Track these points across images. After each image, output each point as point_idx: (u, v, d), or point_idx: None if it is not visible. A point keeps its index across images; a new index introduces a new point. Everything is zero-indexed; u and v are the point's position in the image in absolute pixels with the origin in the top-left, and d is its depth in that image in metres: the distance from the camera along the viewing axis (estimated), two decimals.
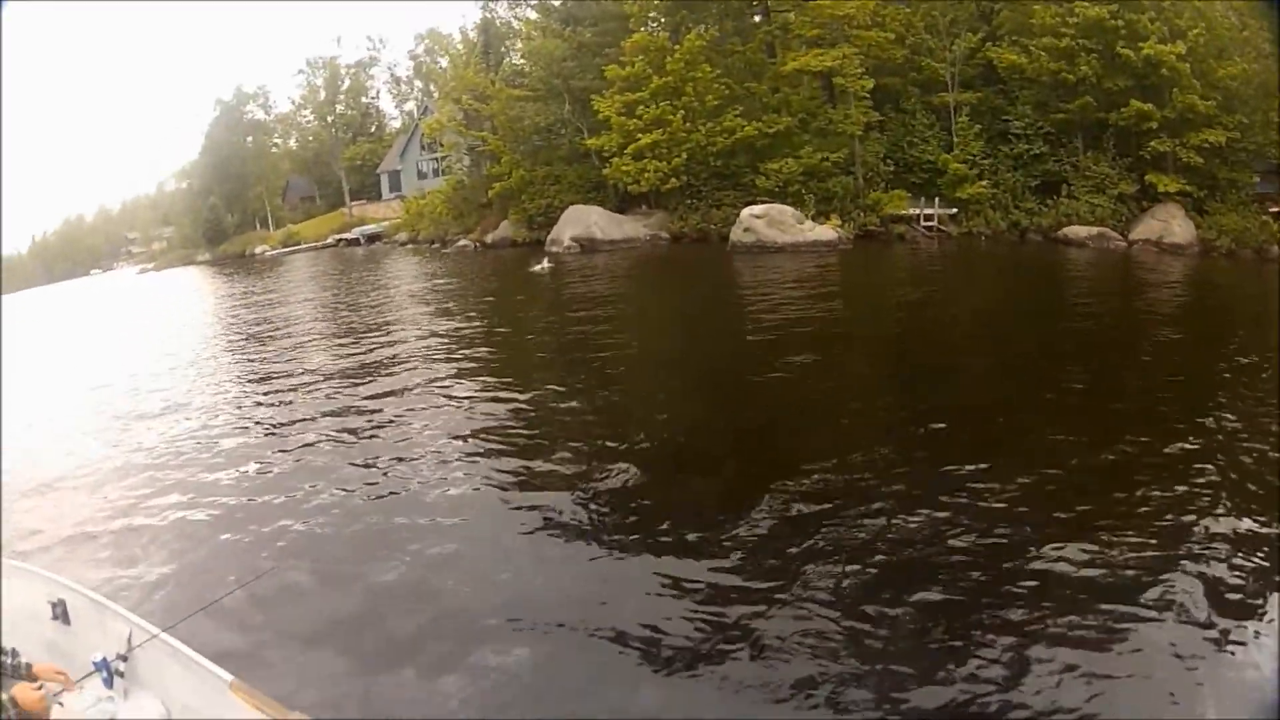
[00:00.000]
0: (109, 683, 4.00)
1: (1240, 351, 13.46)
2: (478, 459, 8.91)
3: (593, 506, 7.56)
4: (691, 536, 6.89)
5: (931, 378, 11.90)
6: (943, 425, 9.28)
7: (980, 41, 31.88)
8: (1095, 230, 29.52)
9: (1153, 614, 5.60)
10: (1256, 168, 29.71)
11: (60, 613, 4.59)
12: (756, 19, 33.60)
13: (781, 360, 12.66)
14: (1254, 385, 11.39)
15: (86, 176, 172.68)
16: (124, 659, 4.05)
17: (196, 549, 7.32)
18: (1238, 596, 5.80)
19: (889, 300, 19.43)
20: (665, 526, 7.10)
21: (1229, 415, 9.83)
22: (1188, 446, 8.65)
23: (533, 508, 7.58)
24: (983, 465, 8.04)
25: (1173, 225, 29.23)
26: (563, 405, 10.80)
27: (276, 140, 59.93)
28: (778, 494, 7.50)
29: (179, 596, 6.26)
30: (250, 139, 58.36)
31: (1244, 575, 6.08)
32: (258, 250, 52.68)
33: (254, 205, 57.04)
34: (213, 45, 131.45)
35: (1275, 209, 28.39)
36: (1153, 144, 29.20)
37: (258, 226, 56.91)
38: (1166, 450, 8.58)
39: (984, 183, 30.40)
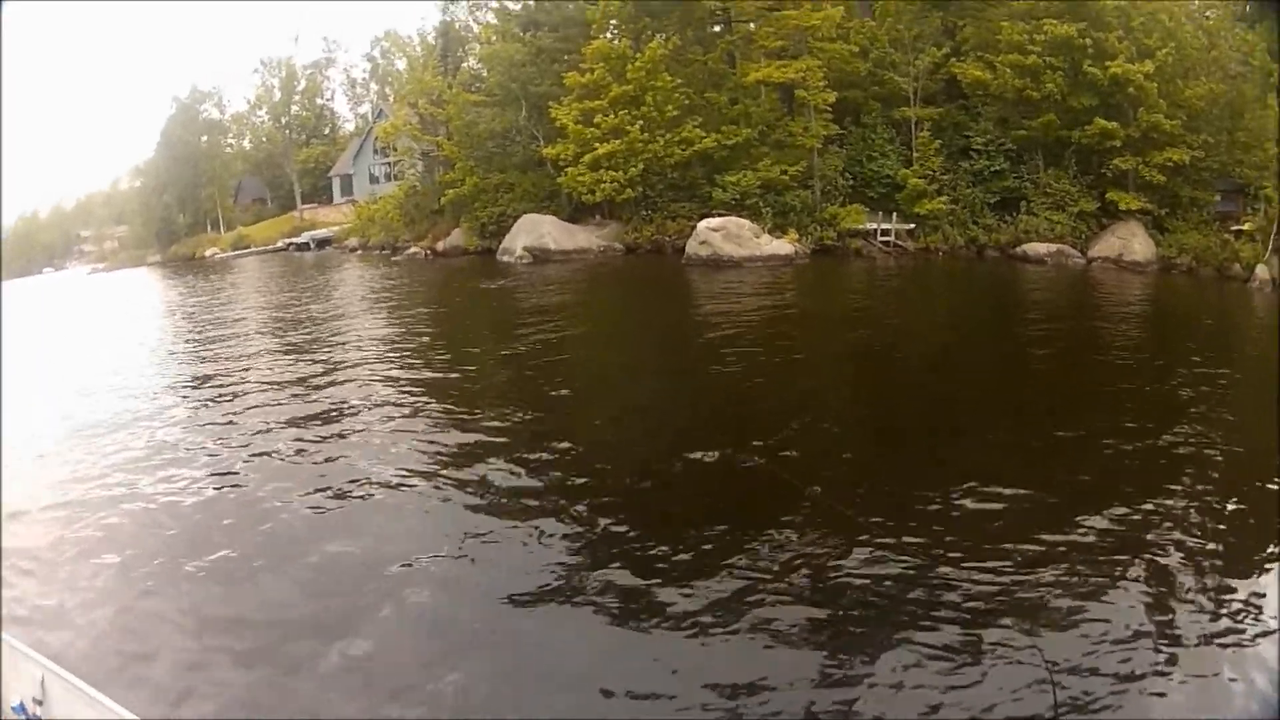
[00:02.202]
0: None
1: (1203, 364, 13.88)
2: (421, 489, 8.38)
3: (531, 540, 7.14)
4: (636, 557, 6.72)
5: (885, 397, 11.94)
6: (892, 446, 9.34)
7: (944, 57, 31.71)
8: (1054, 247, 29.53)
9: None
10: (1219, 186, 29.90)
11: None
12: (718, 29, 33.08)
13: (734, 375, 12.47)
14: (1217, 396, 11.74)
15: (43, 171, 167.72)
16: (39, 703, 4.17)
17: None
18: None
19: (843, 317, 19.06)
20: (613, 551, 6.86)
21: (1202, 423, 10.26)
22: (1163, 452, 9.06)
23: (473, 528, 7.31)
24: (951, 483, 7.98)
25: (1132, 243, 29.31)
26: (508, 432, 10.23)
27: (230, 140, 58.38)
28: (723, 519, 7.31)
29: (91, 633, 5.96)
30: (205, 138, 56.64)
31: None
32: (208, 253, 51.16)
33: (206, 206, 55.30)
34: (175, 40, 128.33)
35: (1236, 227, 28.53)
36: (1115, 162, 29.27)
37: (209, 228, 55.24)
38: (1145, 457, 8.95)
39: (943, 198, 30.17)
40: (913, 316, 19.77)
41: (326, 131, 57.87)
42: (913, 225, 30.28)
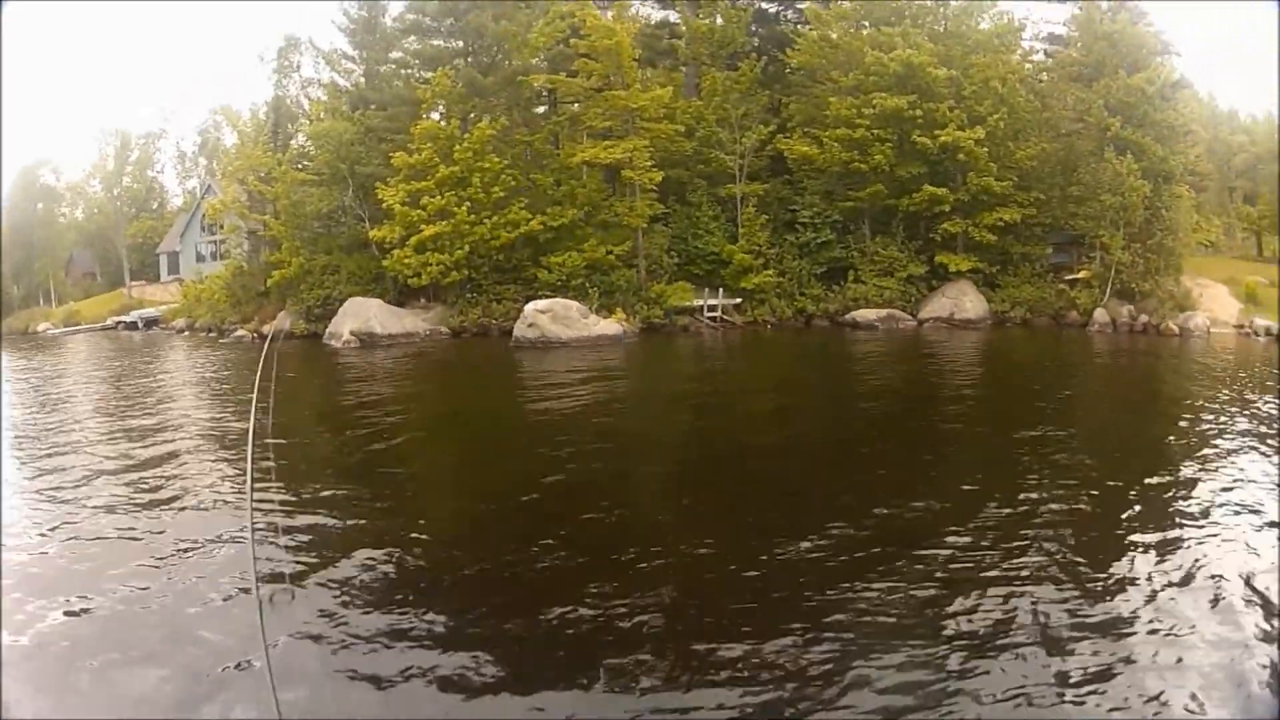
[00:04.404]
0: None
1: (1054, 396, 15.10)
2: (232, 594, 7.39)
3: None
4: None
5: (711, 470, 11.73)
6: (720, 519, 9.17)
7: (770, 134, 32.81)
8: (884, 312, 30.62)
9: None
10: (1052, 240, 31.68)
11: None
12: (543, 110, 33.46)
13: (555, 463, 11.97)
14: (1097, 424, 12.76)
15: None
16: None
17: None
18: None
19: (671, 396, 18.95)
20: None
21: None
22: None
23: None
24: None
25: (963, 301, 30.74)
26: (334, 534, 9.27)
27: (64, 210, 55.26)
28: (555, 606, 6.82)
29: None
30: (40, 205, 53.51)
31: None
32: (41, 328, 48.02)
33: (40, 278, 52.10)
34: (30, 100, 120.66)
35: (1071, 277, 30.34)
36: (944, 226, 30.43)
37: (41, 301, 51.89)
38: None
39: (769, 271, 31.05)
40: (737, 391, 19.84)
41: (155, 206, 55.53)
42: (739, 300, 31.01)
